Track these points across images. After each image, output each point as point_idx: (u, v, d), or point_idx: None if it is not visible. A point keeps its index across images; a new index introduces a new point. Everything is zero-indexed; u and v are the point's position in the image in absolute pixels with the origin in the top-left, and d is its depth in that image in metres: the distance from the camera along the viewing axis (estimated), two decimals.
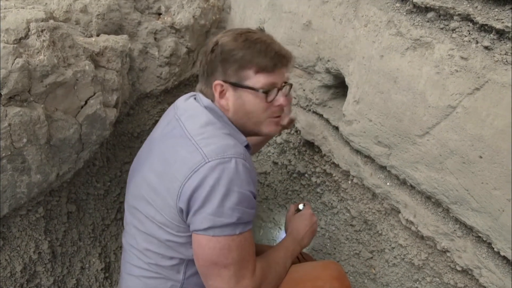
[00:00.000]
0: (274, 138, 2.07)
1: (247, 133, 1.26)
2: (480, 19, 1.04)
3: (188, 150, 1.08)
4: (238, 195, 1.04)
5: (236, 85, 1.18)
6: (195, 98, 1.25)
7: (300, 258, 1.59)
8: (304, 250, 2.02)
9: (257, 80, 1.18)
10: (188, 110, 1.21)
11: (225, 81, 1.18)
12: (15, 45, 1.17)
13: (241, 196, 1.05)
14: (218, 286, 1.08)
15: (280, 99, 1.23)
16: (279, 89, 1.22)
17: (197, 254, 1.09)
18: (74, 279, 1.76)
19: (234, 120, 1.22)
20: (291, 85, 1.29)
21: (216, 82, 1.18)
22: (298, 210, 1.51)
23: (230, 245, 1.05)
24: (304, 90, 1.78)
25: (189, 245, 1.14)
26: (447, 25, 1.13)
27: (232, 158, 1.05)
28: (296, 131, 1.93)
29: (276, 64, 1.19)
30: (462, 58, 1.08)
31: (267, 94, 1.19)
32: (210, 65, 1.21)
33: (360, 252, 1.69)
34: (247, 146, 1.21)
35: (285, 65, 1.23)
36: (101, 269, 1.89)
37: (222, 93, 1.20)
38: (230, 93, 1.19)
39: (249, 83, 1.18)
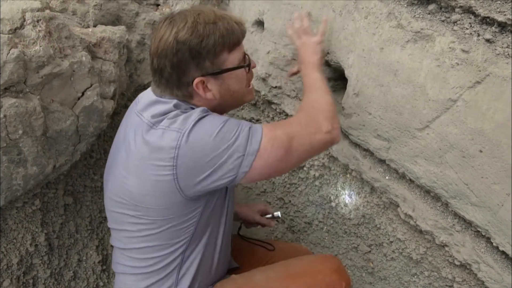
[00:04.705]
0: None
1: (227, 110, 1.29)
2: (482, 12, 1.02)
3: (157, 136, 1.07)
4: (225, 127, 1.06)
5: (217, 73, 1.15)
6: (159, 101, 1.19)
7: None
8: (303, 245, 2.02)
9: (233, 58, 1.16)
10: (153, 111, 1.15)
11: (203, 75, 1.13)
12: (10, 35, 1.15)
13: (228, 125, 1.07)
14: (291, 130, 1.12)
15: (252, 64, 1.24)
16: (246, 54, 1.23)
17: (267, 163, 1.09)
18: (71, 272, 1.76)
19: (219, 105, 1.21)
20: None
21: (197, 80, 1.12)
22: (272, 216, 1.59)
23: (267, 134, 1.08)
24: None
25: (192, 219, 1.15)
26: (449, 17, 1.12)
27: (200, 114, 1.07)
28: None
29: (240, 37, 1.18)
30: (463, 51, 1.07)
31: (249, 66, 1.22)
32: (179, 66, 1.11)
33: (358, 246, 1.69)
34: None
35: (245, 32, 1.20)
36: (98, 262, 1.88)
37: (205, 89, 1.15)
38: (211, 84, 1.15)
39: (228, 65, 1.15)
